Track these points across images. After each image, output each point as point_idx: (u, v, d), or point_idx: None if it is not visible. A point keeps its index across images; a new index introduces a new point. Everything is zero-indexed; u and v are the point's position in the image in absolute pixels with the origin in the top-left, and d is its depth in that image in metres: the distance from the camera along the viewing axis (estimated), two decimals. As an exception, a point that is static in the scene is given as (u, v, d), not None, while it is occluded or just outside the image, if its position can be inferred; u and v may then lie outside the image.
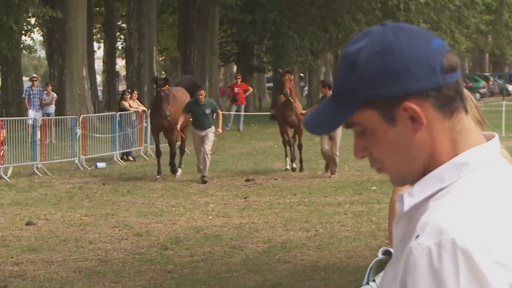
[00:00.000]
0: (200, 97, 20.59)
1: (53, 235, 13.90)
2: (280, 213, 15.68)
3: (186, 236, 13.73)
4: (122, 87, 57.01)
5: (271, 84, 65.83)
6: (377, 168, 2.02)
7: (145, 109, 28.46)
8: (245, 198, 17.74)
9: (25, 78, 49.42)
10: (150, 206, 16.79)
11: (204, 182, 20.20)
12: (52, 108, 32.88)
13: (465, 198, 1.88)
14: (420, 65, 1.91)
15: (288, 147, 22.23)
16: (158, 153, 21.75)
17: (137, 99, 29.19)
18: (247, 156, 26.29)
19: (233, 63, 62.69)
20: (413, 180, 1.98)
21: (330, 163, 20.80)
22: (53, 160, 24.55)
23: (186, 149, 23.25)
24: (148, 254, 12.45)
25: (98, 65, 67.34)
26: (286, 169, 22.03)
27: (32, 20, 45.97)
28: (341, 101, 1.98)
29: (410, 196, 1.96)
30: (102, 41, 65.71)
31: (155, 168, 22.14)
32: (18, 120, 24.97)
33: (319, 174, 21.16)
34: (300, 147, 22.11)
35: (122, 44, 63.82)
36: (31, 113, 30.94)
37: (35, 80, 33.97)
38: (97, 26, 64.41)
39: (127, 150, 26.62)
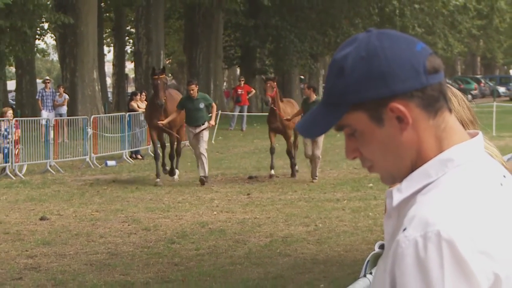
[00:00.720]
0: (192, 91, 19.23)
1: (65, 230, 13.92)
2: (281, 209, 15.69)
3: (192, 230, 13.75)
4: (131, 89, 56.94)
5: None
6: (368, 167, 2.03)
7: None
8: (248, 194, 17.75)
9: (38, 80, 49.42)
10: (158, 202, 16.81)
11: (202, 182, 19.12)
12: (64, 109, 32.90)
13: (450, 192, 1.89)
14: (404, 67, 1.93)
15: (272, 154, 20.80)
16: (156, 156, 20.58)
17: (145, 100, 29.21)
18: (250, 154, 26.29)
19: (237, 66, 62.65)
20: (401, 177, 1.99)
21: (312, 166, 19.69)
22: (66, 158, 24.57)
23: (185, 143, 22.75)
24: (156, 247, 12.47)
25: (108, 68, 67.35)
26: (271, 175, 20.42)
27: (46, 25, 45.96)
28: (331, 105, 1.99)
29: (399, 192, 1.98)
30: (112, 45, 65.77)
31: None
32: (32, 120, 24.98)
33: (318, 171, 21.12)
34: (288, 153, 20.65)
35: (131, 47, 63.81)
36: (44, 113, 30.96)
37: (48, 82, 34.00)
38: (107, 31, 64.41)
39: (135, 149, 26.66)
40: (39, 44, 51.35)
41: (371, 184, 18.28)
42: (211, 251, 12.13)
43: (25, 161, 22.95)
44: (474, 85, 75.19)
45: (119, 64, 58.06)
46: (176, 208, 15.95)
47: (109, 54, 71.39)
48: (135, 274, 10.78)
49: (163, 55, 47.28)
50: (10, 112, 23.29)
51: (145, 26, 45.57)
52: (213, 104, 20.20)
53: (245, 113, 39.95)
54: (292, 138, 20.78)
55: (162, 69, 21.06)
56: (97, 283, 10.30)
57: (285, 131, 20.48)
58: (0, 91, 37.75)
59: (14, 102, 45.14)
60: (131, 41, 62.45)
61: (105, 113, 34.58)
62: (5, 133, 22.20)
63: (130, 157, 26.17)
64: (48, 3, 39.57)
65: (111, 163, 24.82)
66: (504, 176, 2.00)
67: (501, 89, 77.77)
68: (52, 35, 52.18)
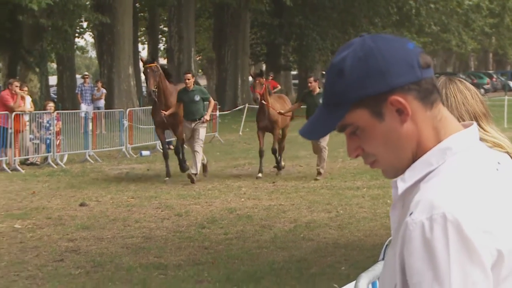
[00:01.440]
0: (187, 81, 17.50)
1: (103, 215, 13.99)
2: (304, 196, 15.69)
3: (221, 216, 13.77)
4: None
5: (296, 81, 65.84)
6: (370, 163, 2.04)
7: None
8: (273, 182, 17.75)
9: (78, 76, 49.57)
10: (189, 189, 16.83)
11: (192, 180, 17.26)
12: (102, 103, 33.05)
13: (451, 178, 1.91)
14: (400, 63, 1.95)
15: (260, 158, 18.87)
16: (165, 154, 18.63)
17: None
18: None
19: (263, 62, 62.52)
20: (404, 168, 2.00)
21: (318, 157, 18.11)
22: (103, 148, 24.68)
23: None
24: (187, 232, 12.50)
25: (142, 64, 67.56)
26: (258, 177, 18.25)
27: (85, 24, 46.19)
28: (333, 106, 2.00)
29: (403, 181, 2.00)
30: (146, 42, 65.85)
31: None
32: (72, 113, 25.10)
33: (339, 161, 21.08)
34: (274, 151, 18.80)
35: (163, 45, 63.74)
36: (83, 107, 31.10)
37: (87, 78, 34.15)
38: (142, 30, 64.44)
39: (168, 140, 26.66)
40: (78, 42, 51.64)
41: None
42: (239, 235, 12.15)
43: (65, 151, 23.07)
44: (487, 80, 74.67)
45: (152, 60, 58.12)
46: (206, 195, 15.97)
47: (143, 51, 71.48)
48: (168, 256, 10.82)
49: (193, 52, 47.35)
50: (52, 106, 23.43)
51: (177, 25, 45.68)
52: (211, 100, 18.34)
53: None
54: (279, 137, 19.19)
55: (152, 58, 19.27)
56: (132, 265, 10.34)
57: (273, 127, 18.65)
58: (42, 86, 37.83)
59: (55, 96, 45.31)
60: (164, 39, 62.43)
61: (140, 106, 34.66)
62: (47, 125, 22.32)
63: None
64: (87, 3, 39.72)
65: (145, 153, 24.91)
66: (499, 163, 2.04)
67: (512, 84, 77.38)
68: (91, 33, 52.43)
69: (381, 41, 1.99)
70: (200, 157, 17.36)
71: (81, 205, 15.09)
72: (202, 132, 17.51)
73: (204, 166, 18.25)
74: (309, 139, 2.08)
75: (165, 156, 18.44)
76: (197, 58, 59.76)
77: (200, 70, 66.86)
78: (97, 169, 20.81)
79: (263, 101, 18.37)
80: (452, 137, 1.98)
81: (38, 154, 22.32)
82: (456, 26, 62.65)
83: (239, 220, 13.36)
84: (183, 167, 18.48)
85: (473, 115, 3.43)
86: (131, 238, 12.10)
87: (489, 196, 1.90)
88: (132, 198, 15.85)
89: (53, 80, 51.67)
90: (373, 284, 4.01)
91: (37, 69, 37.53)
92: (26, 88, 24.03)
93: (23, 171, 20.35)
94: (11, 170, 20.46)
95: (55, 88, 49.50)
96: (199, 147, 17.28)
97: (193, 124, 17.39)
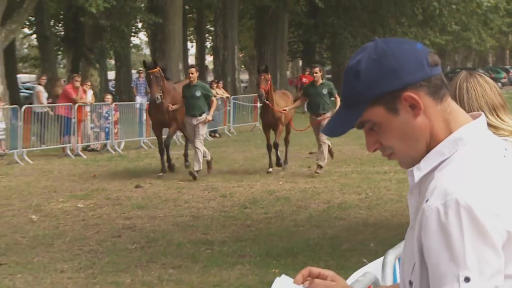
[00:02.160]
0: (191, 75, 15.81)
1: (156, 196, 14.06)
2: (337, 180, 15.65)
3: (262, 197, 13.78)
4: (210, 78, 57.06)
5: (330, 76, 65.84)
6: (388, 155, 2.04)
7: (228, 95, 28.75)
8: (308, 167, 17.71)
9: (133, 71, 49.80)
10: (233, 173, 16.86)
11: (193, 177, 15.70)
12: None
13: (463, 166, 1.91)
14: (411, 62, 1.95)
15: (271, 152, 17.18)
16: (160, 150, 17.02)
17: (222, 87, 29.39)
18: (310, 133, 26.15)
19: (299, 58, 62.45)
20: (419, 158, 2.00)
21: (317, 152, 16.40)
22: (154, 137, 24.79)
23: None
24: (231, 211, 12.53)
25: (191, 60, 67.54)
26: (268, 172, 16.76)
27: (139, 25, 46.34)
28: (351, 105, 2.00)
29: (418, 170, 1.99)
30: (194, 41, 65.87)
31: (237, 143, 22.16)
32: (128, 104, 25.31)
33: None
34: (275, 145, 16.86)
35: (210, 43, 63.81)
36: (138, 99, 31.18)
37: (141, 73, 34.18)
38: (190, 29, 64.50)
39: (214, 129, 26.75)
40: (134, 41, 51.92)
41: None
42: (277, 215, 12.16)
43: (122, 139, 23.22)
44: (504, 74, 73.72)
45: (200, 57, 58.27)
46: (248, 178, 15.97)
47: (192, 49, 71.61)
48: (214, 233, 10.86)
49: (236, 49, 47.34)
50: (110, 98, 23.61)
51: (222, 25, 45.73)
52: (213, 99, 16.32)
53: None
54: (283, 133, 17.63)
55: (154, 62, 17.10)
56: (182, 241, 10.39)
57: (276, 124, 16.75)
58: (102, 80, 38.12)
59: (113, 89, 45.60)
60: (210, 37, 62.47)
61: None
62: (106, 115, 22.49)
63: (210, 135, 26.28)
64: (142, 5, 39.85)
65: (193, 140, 24.97)
66: (506, 149, 2.02)
67: (527, 78, 76.41)
68: (145, 33, 52.57)
69: (392, 43, 1.99)
70: (201, 154, 15.70)
71: (136, 187, 15.20)
72: (202, 128, 15.90)
73: (208, 163, 16.72)
74: (331, 136, 2.07)
75: (161, 153, 16.94)
76: (240, 55, 59.68)
77: (242, 66, 66.83)
78: (150, 155, 20.92)
79: (266, 101, 16.44)
80: (462, 128, 1.97)
81: (98, 141, 22.51)
82: (475, 25, 61.99)
83: (277, 201, 13.37)
84: (170, 166, 17.10)
85: (491, 106, 3.42)
86: (181, 217, 12.16)
87: (498, 181, 1.89)
88: (182, 181, 15.91)
89: (111, 75, 51.93)
90: (399, 259, 3.99)
91: (97, 65, 37.81)
92: (89, 83, 24.31)
93: (85, 157, 20.52)
94: (74, 156, 20.65)
95: (113, 82, 49.81)
96: (199, 143, 15.71)
97: (193, 121, 15.71)
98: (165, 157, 16.95)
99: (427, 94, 1.95)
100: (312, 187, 14.76)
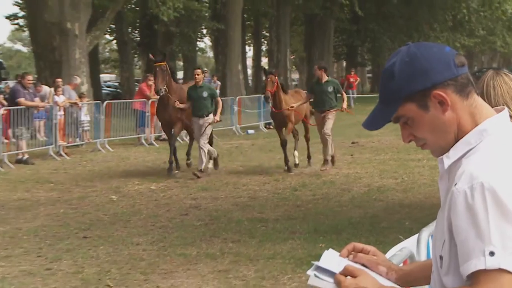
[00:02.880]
0: (197, 76, 14.18)
1: (218, 179, 14.10)
2: (376, 166, 15.54)
3: (310, 181, 13.75)
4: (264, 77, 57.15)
5: (370, 75, 65.53)
6: (421, 145, 2.04)
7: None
8: (351, 155, 17.62)
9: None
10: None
11: (196, 176, 14.07)
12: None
13: (487, 154, 1.90)
14: (439, 63, 1.94)
15: (294, 141, 15.85)
16: (172, 147, 15.17)
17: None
18: (352, 125, 26.03)
19: (343, 60, 62.20)
20: (448, 148, 1.99)
21: (323, 147, 14.72)
22: (218, 128, 24.86)
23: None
24: (283, 193, 12.52)
25: (249, 62, 67.56)
26: (290, 169, 14.91)
27: (204, 31, 46.47)
28: (387, 102, 2.01)
29: (448, 158, 1.99)
30: (251, 45, 65.90)
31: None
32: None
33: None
34: (284, 143, 14.89)
35: (265, 47, 63.84)
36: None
37: (206, 73, 34.23)
38: (248, 35, 64.47)
39: (268, 121, 26.74)
40: (199, 45, 52.02)
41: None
42: (324, 196, 12.12)
43: (189, 130, 23.34)
44: (525, 73, 72.49)
45: (256, 59, 58.27)
46: (299, 165, 15.89)
47: (249, 52, 71.70)
48: (268, 212, 10.86)
49: (288, 52, 47.35)
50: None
51: (276, 31, 45.77)
52: (218, 99, 14.73)
53: (355, 95, 39.60)
54: (302, 132, 16.02)
55: (163, 55, 15.32)
56: (241, 218, 10.42)
57: (285, 122, 14.88)
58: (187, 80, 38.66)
59: (181, 87, 45.90)
60: (265, 42, 62.48)
61: (247, 95, 34.81)
62: (176, 109, 22.59)
63: (265, 127, 26.32)
64: (206, 14, 40.03)
65: (251, 131, 25.05)
66: None
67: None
68: (209, 38, 52.79)
69: (422, 47, 1.99)
70: (204, 153, 14.08)
71: (201, 171, 15.23)
72: (209, 129, 14.22)
73: (214, 160, 15.28)
74: (370, 130, 2.07)
75: (173, 150, 15.15)
76: (291, 57, 59.59)
77: (293, 66, 66.79)
78: (214, 144, 21.00)
79: (272, 108, 14.85)
80: (487, 120, 1.96)
81: (168, 132, 22.64)
82: (500, 30, 60.86)
83: (324, 184, 13.33)
84: (178, 166, 15.34)
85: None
86: (240, 198, 12.20)
87: None
88: (240, 166, 15.96)
89: (180, 74, 52.28)
90: (432, 237, 3.95)
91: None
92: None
93: (157, 145, 20.70)
94: (148, 145, 20.86)
95: (181, 80, 50.07)
96: (203, 143, 14.06)
97: (200, 121, 14.15)
98: (174, 156, 15.24)
99: (454, 92, 1.94)
100: (354, 173, 14.68)
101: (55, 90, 19.49)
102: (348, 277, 2.05)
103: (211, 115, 14.23)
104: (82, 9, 26.88)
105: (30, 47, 43.61)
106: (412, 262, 3.34)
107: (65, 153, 18.57)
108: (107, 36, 51.73)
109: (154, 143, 21.00)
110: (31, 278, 7.54)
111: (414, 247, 3.68)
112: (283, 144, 14.87)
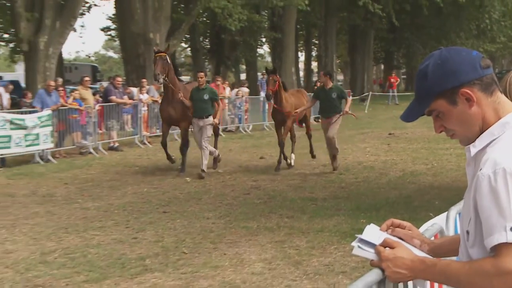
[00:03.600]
0: (200, 79, 12.64)
1: (275, 165, 14.09)
2: (410, 154, 15.33)
3: (353, 166, 13.65)
4: (315, 78, 56.82)
5: (404, 76, 64.95)
6: (450, 135, 2.02)
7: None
8: (388, 144, 17.43)
9: (258, 73, 50.12)
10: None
11: (201, 177, 12.44)
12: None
13: (509, 143, 1.87)
14: (467, 65, 1.92)
15: (291, 145, 14.29)
16: (164, 145, 13.29)
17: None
18: (389, 119, 25.75)
19: (381, 63, 61.51)
20: (474, 138, 1.97)
21: (328, 149, 13.00)
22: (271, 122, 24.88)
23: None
24: (330, 177, 12.46)
25: (301, 66, 67.19)
26: (290, 165, 13.69)
27: (264, 39, 46.40)
28: (422, 99, 2.00)
29: (474, 147, 1.96)
30: (303, 51, 65.57)
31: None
32: (255, 98, 25.38)
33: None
34: (281, 144, 13.36)
35: (315, 53, 63.45)
36: (262, 93, 31.22)
37: (264, 75, 34.39)
38: (301, 42, 64.18)
39: (317, 116, 26.61)
40: (259, 51, 52.01)
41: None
42: (364, 179, 12.02)
43: (250, 123, 23.42)
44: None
45: (307, 63, 58.10)
46: (342, 152, 15.16)
47: (301, 57, 71.31)
48: (318, 192, 10.83)
49: (334, 57, 47.13)
50: (241, 92, 23.80)
51: (324, 39, 45.64)
52: (219, 102, 13.00)
53: (396, 94, 38.95)
54: (302, 129, 15.02)
55: (167, 47, 13.97)
56: (294, 197, 10.42)
57: (284, 121, 13.31)
58: (236, 81, 38.61)
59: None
60: (315, 48, 62.11)
61: (299, 94, 34.71)
62: (239, 105, 22.73)
63: (314, 120, 26.16)
64: (265, 25, 40.03)
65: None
66: None
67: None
68: (268, 45, 52.69)
69: (453, 51, 1.97)
70: (206, 155, 12.63)
71: (261, 158, 15.31)
72: (209, 130, 12.71)
73: (214, 159, 13.80)
74: (406, 121, 2.06)
75: (164, 146, 13.29)
76: (337, 61, 59.16)
77: (338, 69, 66.29)
78: (270, 135, 20.98)
79: (275, 105, 13.43)
80: (509, 114, 1.94)
81: (233, 124, 22.78)
82: (520, 37, 59.37)
83: (365, 169, 13.21)
84: (183, 168, 13.29)
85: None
86: (293, 180, 12.19)
87: None
88: (292, 153, 15.90)
89: (243, 76, 52.41)
90: (459, 214, 3.87)
91: (233, 70, 38.25)
92: (227, 82, 24.64)
93: (223, 135, 20.81)
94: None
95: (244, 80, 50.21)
96: (204, 143, 12.60)
97: (200, 122, 12.62)
98: (184, 157, 13.47)
99: (480, 90, 1.92)
100: (391, 159, 14.51)
101: (140, 89, 19.76)
102: (387, 248, 2.05)
103: (211, 117, 12.67)
104: (162, 22, 27.23)
105: (120, 54, 44.30)
106: (442, 237, 3.29)
107: (148, 142, 18.84)
108: (183, 44, 52.16)
109: (221, 133, 21.12)
110: (121, 245, 7.69)
111: (444, 223, 3.61)
112: (281, 144, 13.38)
